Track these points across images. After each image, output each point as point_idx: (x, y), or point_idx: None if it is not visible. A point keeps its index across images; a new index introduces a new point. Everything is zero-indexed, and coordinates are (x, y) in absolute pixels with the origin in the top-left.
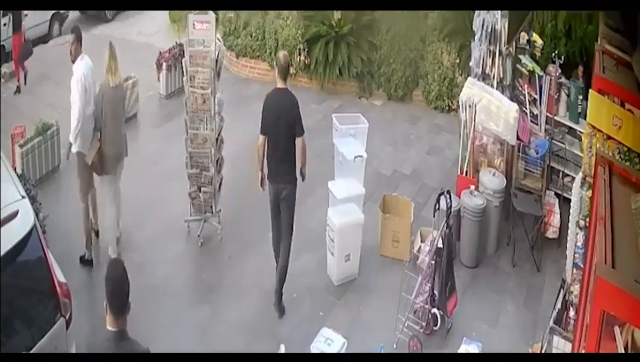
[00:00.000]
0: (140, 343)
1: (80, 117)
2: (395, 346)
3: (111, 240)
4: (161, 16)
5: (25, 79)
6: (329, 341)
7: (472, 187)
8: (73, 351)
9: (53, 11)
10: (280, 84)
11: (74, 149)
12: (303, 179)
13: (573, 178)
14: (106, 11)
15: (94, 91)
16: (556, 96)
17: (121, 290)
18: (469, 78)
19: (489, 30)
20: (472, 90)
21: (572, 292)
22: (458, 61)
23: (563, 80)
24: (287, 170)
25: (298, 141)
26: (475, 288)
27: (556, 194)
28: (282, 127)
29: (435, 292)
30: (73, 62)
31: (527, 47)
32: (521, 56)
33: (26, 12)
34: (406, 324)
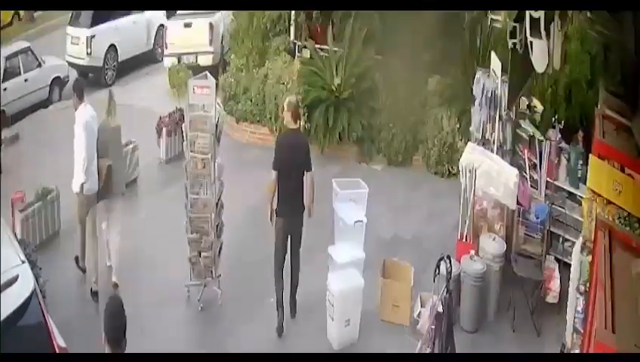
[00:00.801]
0: None
1: (87, 157)
2: None
3: (110, 271)
4: (160, 81)
5: None
6: None
7: (472, 252)
8: None
9: (53, 76)
10: (292, 125)
11: (86, 186)
12: (310, 215)
13: (574, 243)
14: (106, 76)
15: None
16: (556, 161)
17: (118, 324)
18: (469, 142)
19: (489, 95)
20: (472, 155)
21: None
22: (458, 126)
23: (563, 145)
24: (298, 203)
25: (307, 175)
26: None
27: (556, 258)
28: (294, 164)
29: None
30: (76, 109)
31: (528, 112)
32: (521, 121)
33: (25, 77)
34: None
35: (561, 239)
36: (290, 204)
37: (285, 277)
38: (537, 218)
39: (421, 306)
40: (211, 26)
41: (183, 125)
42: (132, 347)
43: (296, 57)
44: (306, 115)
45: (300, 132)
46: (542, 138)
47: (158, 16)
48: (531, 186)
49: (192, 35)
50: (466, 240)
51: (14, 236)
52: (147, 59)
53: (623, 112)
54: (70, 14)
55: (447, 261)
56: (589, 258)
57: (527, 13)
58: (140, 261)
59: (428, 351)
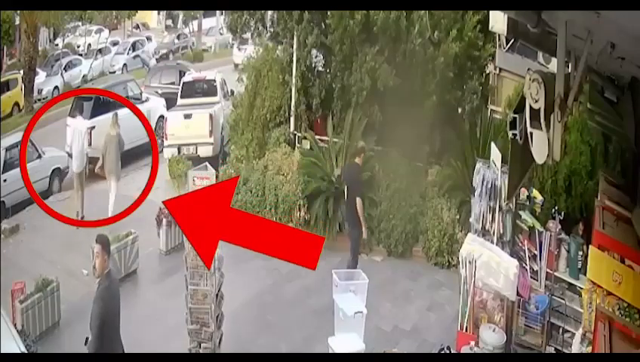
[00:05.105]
0: None
1: (71, 148)
2: None
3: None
4: (161, 172)
5: None
6: None
7: (472, 343)
8: None
9: (53, 167)
10: (357, 160)
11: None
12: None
13: (574, 334)
14: None
15: (82, 140)
16: (556, 252)
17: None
18: (469, 234)
19: (489, 186)
20: (472, 246)
21: None
22: (458, 217)
23: (563, 236)
24: (353, 217)
25: (357, 200)
26: None
27: (556, 350)
28: (348, 188)
29: None
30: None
31: (527, 203)
32: (521, 212)
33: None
34: None
35: (561, 330)
36: (348, 216)
37: None
38: (537, 309)
39: None
40: (211, 117)
41: None
42: None
43: (296, 148)
44: (306, 206)
45: (358, 165)
46: (542, 229)
47: (158, 107)
48: (531, 277)
49: (192, 126)
50: (466, 331)
51: (14, 327)
52: (147, 150)
53: (622, 203)
54: (70, 105)
55: (448, 352)
56: (589, 349)
57: (527, 104)
58: (140, 351)
59: None
